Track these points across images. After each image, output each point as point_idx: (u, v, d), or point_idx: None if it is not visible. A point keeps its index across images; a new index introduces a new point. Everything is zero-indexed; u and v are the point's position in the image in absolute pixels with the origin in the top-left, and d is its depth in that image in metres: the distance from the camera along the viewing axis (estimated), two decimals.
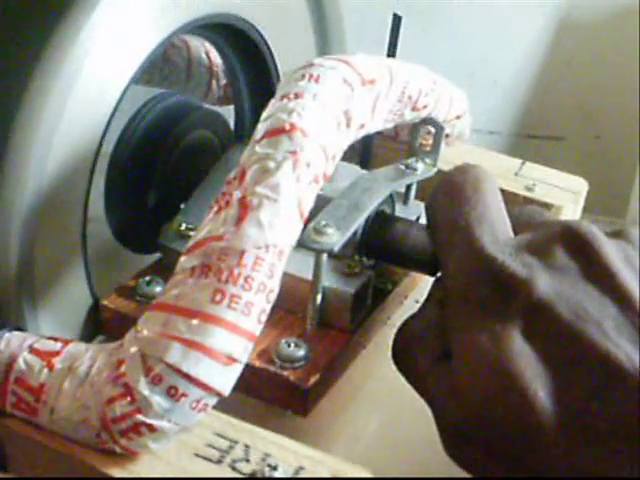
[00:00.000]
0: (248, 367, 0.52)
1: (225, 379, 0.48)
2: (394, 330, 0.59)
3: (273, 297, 0.50)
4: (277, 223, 0.50)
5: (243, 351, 0.48)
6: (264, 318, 0.49)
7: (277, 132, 0.53)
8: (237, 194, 0.51)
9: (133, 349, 0.48)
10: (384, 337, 0.66)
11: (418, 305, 0.61)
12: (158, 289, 0.64)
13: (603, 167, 1.70)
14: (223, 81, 0.91)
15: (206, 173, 0.71)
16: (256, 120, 0.70)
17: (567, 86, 1.67)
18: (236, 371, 0.49)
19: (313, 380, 0.59)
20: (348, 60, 0.59)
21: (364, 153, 0.87)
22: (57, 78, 0.55)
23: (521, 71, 1.67)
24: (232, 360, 0.48)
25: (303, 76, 0.57)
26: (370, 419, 0.65)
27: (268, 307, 0.50)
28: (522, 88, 1.67)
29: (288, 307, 0.62)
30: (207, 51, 0.91)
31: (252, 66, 0.77)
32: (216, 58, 0.90)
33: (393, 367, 0.58)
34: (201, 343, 0.47)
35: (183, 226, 0.66)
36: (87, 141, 0.60)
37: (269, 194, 0.50)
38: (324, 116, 0.55)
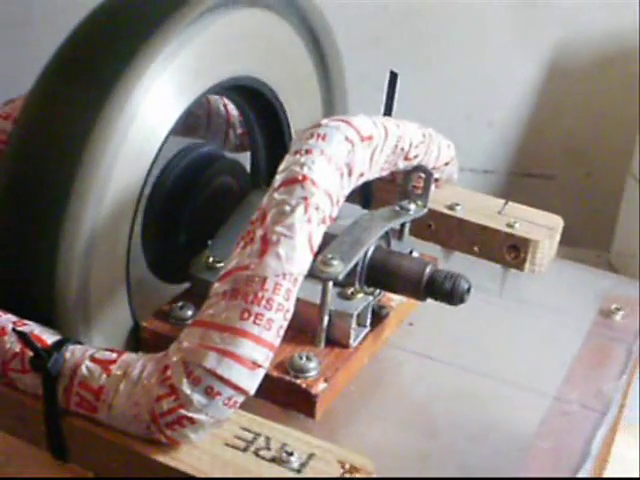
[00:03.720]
0: (267, 377, 0.63)
1: (251, 381, 0.60)
2: (392, 348, 0.71)
3: (289, 316, 0.62)
4: (292, 256, 0.62)
5: (265, 359, 0.61)
6: (282, 332, 0.62)
7: (291, 182, 0.65)
8: (259, 232, 0.63)
9: (177, 357, 0.60)
10: (383, 354, 0.78)
11: (411, 327, 0.73)
12: (189, 313, 0.76)
13: (592, 203, 1.80)
14: (239, 130, 1.03)
15: (228, 214, 0.83)
16: (270, 166, 0.83)
17: (558, 127, 1.77)
18: (260, 375, 0.61)
19: (321, 387, 0.70)
20: (349, 120, 0.72)
21: (365, 195, 0.99)
22: (114, 131, 0.67)
23: (514, 114, 1.77)
24: (257, 366, 0.60)
25: (312, 135, 0.69)
26: (373, 425, 0.76)
27: (285, 324, 0.62)
28: (515, 129, 1.78)
29: (300, 327, 0.74)
30: (225, 104, 1.03)
31: (267, 121, 0.89)
32: (232, 110, 1.03)
33: (394, 379, 0.69)
34: (232, 352, 0.59)
35: (210, 259, 0.78)
36: (134, 185, 0.72)
37: (286, 232, 0.63)
38: (330, 168, 0.67)
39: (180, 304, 0.75)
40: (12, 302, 0.69)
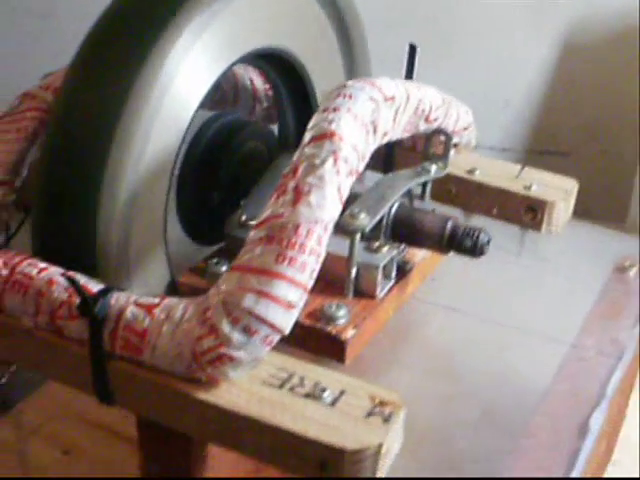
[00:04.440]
0: (299, 325, 0.68)
1: (286, 320, 0.64)
2: (416, 302, 0.75)
3: (321, 260, 0.66)
4: (323, 204, 0.66)
5: (299, 299, 0.65)
6: (315, 275, 0.66)
7: (321, 137, 0.69)
8: (292, 184, 0.67)
9: (216, 299, 0.65)
10: (408, 306, 0.82)
11: (434, 282, 0.77)
12: (224, 268, 0.80)
13: (607, 179, 1.83)
14: (265, 104, 1.07)
15: (258, 176, 0.87)
16: (297, 131, 0.87)
17: (573, 105, 1.80)
18: (294, 315, 0.65)
19: (350, 334, 0.74)
20: (373, 81, 0.76)
21: (387, 162, 1.02)
22: (149, 97, 0.72)
23: (530, 92, 1.80)
24: (291, 306, 0.64)
25: (339, 94, 0.73)
26: (400, 370, 0.80)
27: (317, 267, 0.66)
28: (531, 108, 1.80)
29: (329, 280, 0.78)
30: (251, 79, 1.07)
31: (293, 87, 0.93)
32: (259, 84, 1.07)
33: (419, 329, 0.73)
34: (269, 292, 0.63)
35: (244, 218, 0.82)
36: (169, 151, 0.76)
37: (316, 182, 0.67)
38: (356, 125, 0.71)
39: (215, 260, 0.80)
40: (57, 258, 0.72)
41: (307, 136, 0.69)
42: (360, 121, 0.71)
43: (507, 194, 0.95)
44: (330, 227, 0.66)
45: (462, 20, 1.75)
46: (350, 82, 0.74)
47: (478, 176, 0.96)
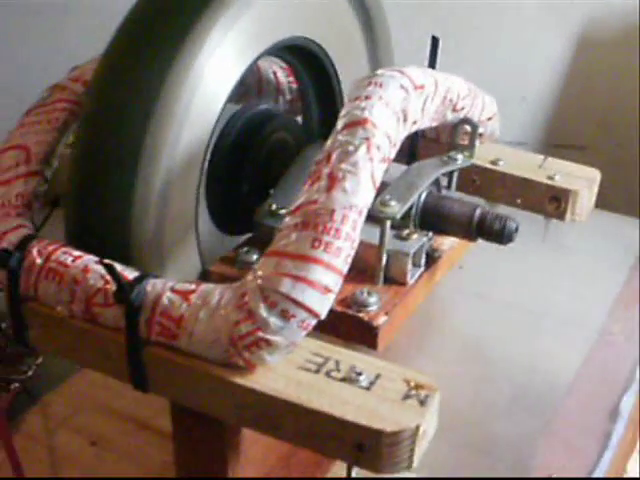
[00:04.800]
0: (331, 312, 0.68)
1: (323, 304, 0.65)
2: (445, 289, 0.75)
3: (355, 245, 0.67)
4: (357, 190, 0.67)
5: (335, 284, 0.65)
6: (349, 260, 0.66)
7: (354, 124, 0.70)
8: (326, 170, 0.68)
9: (253, 284, 0.65)
10: (437, 293, 0.82)
11: (462, 270, 0.78)
12: (254, 257, 0.81)
13: (622, 172, 1.83)
14: (288, 97, 1.08)
15: (286, 167, 0.87)
16: (322, 122, 0.88)
17: (588, 99, 1.80)
18: (330, 299, 0.65)
19: (382, 320, 0.75)
20: (403, 70, 0.76)
21: (411, 154, 1.03)
22: (181, 92, 0.73)
23: (546, 87, 1.80)
24: (328, 290, 0.65)
25: (370, 83, 0.74)
26: (431, 355, 0.80)
27: (352, 253, 0.66)
28: (548, 103, 1.81)
29: (360, 267, 0.78)
30: (274, 72, 1.08)
31: (318, 78, 0.94)
32: (282, 77, 1.07)
33: (448, 315, 0.74)
34: (305, 277, 0.64)
35: (273, 207, 0.83)
36: (201, 141, 0.77)
37: (350, 169, 0.67)
38: (388, 112, 0.72)
39: (245, 249, 0.80)
40: (91, 247, 0.73)
41: (339, 123, 0.70)
42: (391, 109, 0.71)
43: (531, 184, 0.96)
44: (364, 213, 0.67)
45: (478, 17, 1.76)
46: (380, 71, 0.74)
47: (502, 166, 0.97)
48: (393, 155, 0.71)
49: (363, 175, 0.66)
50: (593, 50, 1.78)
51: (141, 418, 1.03)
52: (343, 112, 0.71)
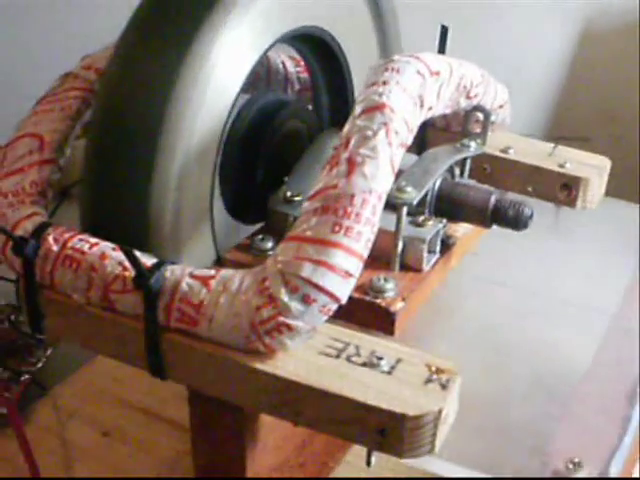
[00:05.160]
0: (349, 298, 0.68)
1: (344, 289, 0.65)
2: (460, 275, 0.75)
3: (375, 230, 0.67)
4: (376, 174, 0.67)
5: (356, 269, 0.65)
6: (370, 245, 0.66)
7: (372, 109, 0.70)
8: (344, 155, 0.68)
9: (274, 269, 0.65)
10: (451, 280, 0.82)
11: (476, 257, 0.78)
12: (269, 244, 0.80)
13: (624, 163, 1.83)
14: (297, 87, 1.08)
15: (299, 155, 0.87)
16: (332, 110, 0.87)
17: (591, 91, 1.80)
18: (351, 284, 0.65)
19: (399, 306, 0.75)
20: (419, 56, 0.76)
21: (420, 143, 1.03)
22: (196, 78, 0.73)
23: (549, 79, 1.80)
24: (348, 275, 0.65)
25: (386, 68, 0.74)
26: (448, 341, 0.80)
27: (372, 237, 0.66)
28: (551, 93, 1.81)
29: (376, 254, 0.78)
30: (283, 61, 1.07)
31: (328, 66, 0.94)
32: (290, 67, 1.07)
33: (463, 301, 0.74)
34: (326, 261, 0.64)
35: (288, 194, 0.83)
36: (216, 128, 0.77)
37: (369, 154, 0.67)
38: (405, 97, 0.72)
39: (260, 237, 0.80)
40: (107, 234, 0.73)
41: (357, 109, 0.70)
42: (409, 94, 0.71)
43: (542, 172, 0.96)
44: (383, 198, 0.67)
45: (482, 7, 1.75)
46: (396, 56, 0.74)
47: (512, 155, 0.97)
48: (410, 141, 0.71)
49: (382, 160, 0.66)
50: (595, 42, 1.78)
51: (152, 409, 1.03)
52: (360, 97, 0.71)
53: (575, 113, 1.83)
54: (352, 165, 0.66)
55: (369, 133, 0.67)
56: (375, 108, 0.69)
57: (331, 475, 0.94)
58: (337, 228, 0.64)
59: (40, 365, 1.08)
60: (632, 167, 1.83)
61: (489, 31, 1.80)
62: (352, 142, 0.67)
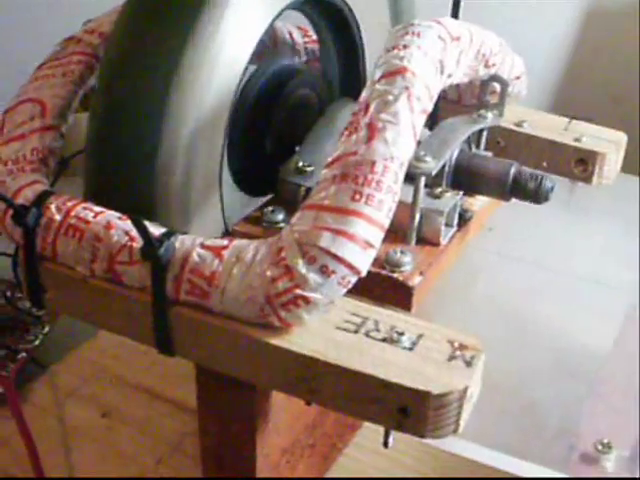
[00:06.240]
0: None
1: (364, 260, 0.62)
2: (472, 250, 0.72)
3: (397, 198, 0.63)
4: (398, 140, 0.63)
5: (377, 239, 0.62)
6: (391, 215, 0.63)
7: (393, 74, 0.66)
8: (365, 121, 0.64)
9: (290, 238, 0.62)
10: (468, 254, 0.79)
11: (492, 232, 0.74)
12: (280, 216, 0.77)
13: (629, 145, 1.80)
14: (304, 57, 1.04)
15: (309, 124, 0.84)
16: (342, 78, 0.84)
17: (595, 71, 1.77)
18: (372, 255, 0.62)
19: (417, 280, 0.72)
20: (440, 20, 0.73)
21: (432, 115, 0.99)
22: (208, 45, 0.70)
23: (553, 58, 1.77)
24: (369, 245, 0.61)
25: (407, 32, 0.70)
26: (467, 316, 0.77)
27: (394, 206, 0.63)
28: (554, 74, 1.78)
29: (391, 228, 0.75)
30: (290, 32, 1.04)
31: (340, 33, 0.90)
32: (298, 38, 1.04)
33: (481, 276, 0.71)
34: (346, 231, 0.61)
35: (300, 164, 0.79)
36: (227, 97, 0.74)
37: (391, 119, 0.64)
38: (426, 62, 0.68)
39: (270, 209, 0.77)
40: (113, 203, 0.69)
41: (377, 73, 0.66)
42: (430, 59, 0.68)
43: (557, 146, 0.93)
44: (405, 166, 0.64)
45: None
46: (417, 20, 0.71)
47: (527, 128, 0.94)
48: (431, 108, 0.68)
49: (404, 125, 0.63)
50: (601, 21, 1.75)
51: (154, 388, 1.00)
52: (380, 61, 0.68)
53: (579, 93, 1.80)
54: (373, 131, 0.63)
55: (390, 98, 0.64)
56: (396, 72, 0.65)
57: (340, 457, 0.91)
58: (357, 196, 0.60)
59: (38, 343, 1.05)
60: (637, 149, 1.80)
61: (492, 12, 1.76)
62: (372, 107, 0.64)
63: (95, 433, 0.95)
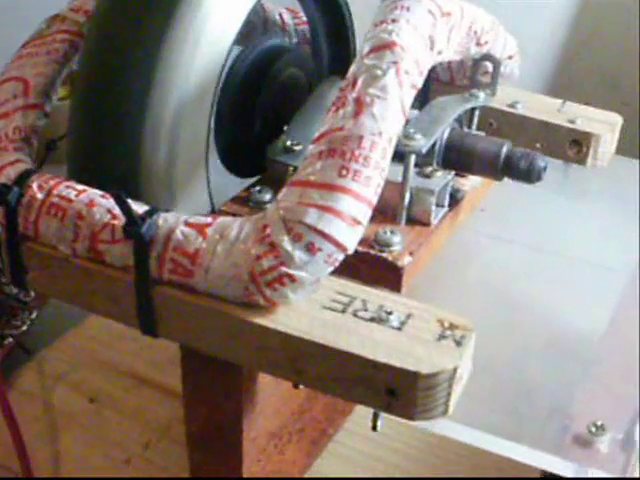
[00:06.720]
0: (353, 252, 0.63)
1: (351, 237, 0.60)
2: (464, 231, 0.70)
3: (385, 175, 0.62)
4: (387, 116, 0.62)
5: (364, 216, 0.60)
6: (379, 191, 0.61)
7: (381, 48, 0.65)
8: (352, 95, 0.63)
9: (276, 215, 0.60)
10: (460, 236, 0.78)
11: (484, 213, 0.73)
12: (268, 196, 0.76)
13: (627, 131, 1.79)
14: (294, 39, 1.03)
15: (297, 103, 0.82)
16: (333, 61, 0.83)
17: (593, 55, 1.76)
18: (359, 232, 0.61)
19: (407, 260, 0.70)
20: None
21: (423, 96, 0.98)
22: (192, 21, 0.68)
23: (549, 41, 1.76)
24: (356, 222, 0.60)
25: (395, 7, 0.69)
26: (457, 299, 0.76)
27: (382, 183, 0.62)
28: (550, 57, 1.77)
29: (380, 208, 0.73)
30: (280, 13, 1.03)
31: (329, 11, 0.89)
32: (288, 19, 1.02)
33: (472, 259, 0.69)
34: (332, 207, 0.59)
35: (288, 143, 0.78)
36: (213, 74, 0.72)
37: (379, 94, 0.62)
38: (416, 37, 0.67)
39: (258, 188, 0.75)
40: (96, 181, 0.68)
41: (365, 47, 0.65)
42: (419, 34, 0.67)
43: (551, 127, 0.92)
44: (394, 141, 0.62)
45: None
46: None
47: (520, 109, 0.92)
48: (420, 84, 0.67)
49: (392, 100, 0.62)
50: (599, 5, 1.73)
51: (142, 374, 0.99)
52: (368, 36, 0.66)
53: (575, 77, 1.79)
54: (360, 106, 0.61)
55: (378, 72, 0.62)
56: (384, 46, 0.64)
57: (330, 443, 0.90)
58: (344, 172, 0.59)
59: (25, 328, 1.03)
60: (636, 134, 1.79)
61: None
62: (360, 82, 0.62)
63: (83, 419, 0.93)
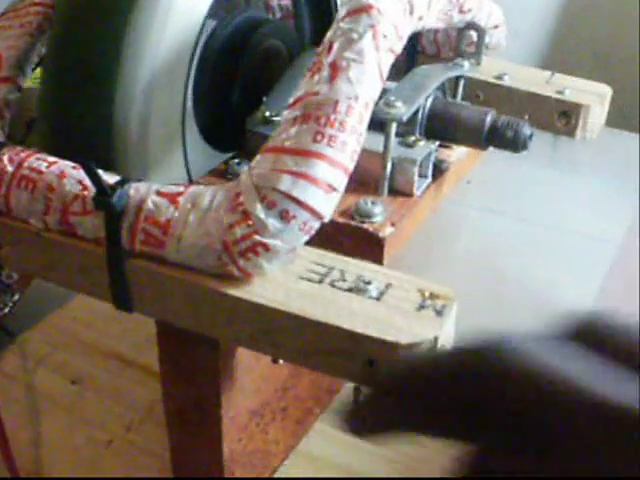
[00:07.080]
0: (332, 223, 0.61)
1: (327, 205, 0.58)
2: (451, 204, 0.69)
3: (362, 140, 0.60)
4: (363, 80, 0.60)
5: (340, 182, 0.58)
6: (355, 157, 0.59)
7: (358, 11, 0.63)
8: (328, 60, 0.61)
9: (249, 182, 0.58)
10: (445, 208, 0.76)
11: (469, 185, 0.71)
12: (246, 168, 0.73)
13: (617, 110, 1.77)
14: (278, 14, 1.01)
15: (278, 75, 0.80)
16: (314, 29, 0.81)
17: (584, 34, 1.74)
18: (335, 200, 0.59)
19: (388, 231, 0.68)
20: None
21: (409, 70, 0.96)
22: None
23: (540, 22, 1.74)
24: (332, 189, 0.58)
25: None
26: (442, 271, 0.74)
27: (358, 148, 0.60)
28: (541, 38, 1.75)
29: (361, 179, 0.72)
30: None
31: None
32: None
33: (458, 230, 0.67)
34: (307, 174, 0.57)
35: (267, 114, 0.76)
36: (187, 42, 0.70)
37: (355, 57, 0.60)
38: (394, 0, 0.65)
39: (236, 160, 0.74)
40: (69, 153, 0.66)
41: (342, 11, 0.63)
42: None
43: (539, 99, 0.90)
44: (371, 106, 0.60)
45: None
46: None
47: (507, 81, 0.90)
48: (399, 49, 0.65)
49: (369, 64, 0.60)
50: None
51: (125, 355, 0.97)
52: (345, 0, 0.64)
53: (567, 57, 1.77)
54: (336, 70, 0.59)
55: (355, 36, 0.61)
56: (361, 10, 0.62)
57: (316, 422, 0.88)
58: (319, 137, 0.57)
59: (6, 311, 1.01)
60: (626, 114, 1.77)
61: None
62: (336, 46, 0.61)
63: (65, 401, 0.91)
